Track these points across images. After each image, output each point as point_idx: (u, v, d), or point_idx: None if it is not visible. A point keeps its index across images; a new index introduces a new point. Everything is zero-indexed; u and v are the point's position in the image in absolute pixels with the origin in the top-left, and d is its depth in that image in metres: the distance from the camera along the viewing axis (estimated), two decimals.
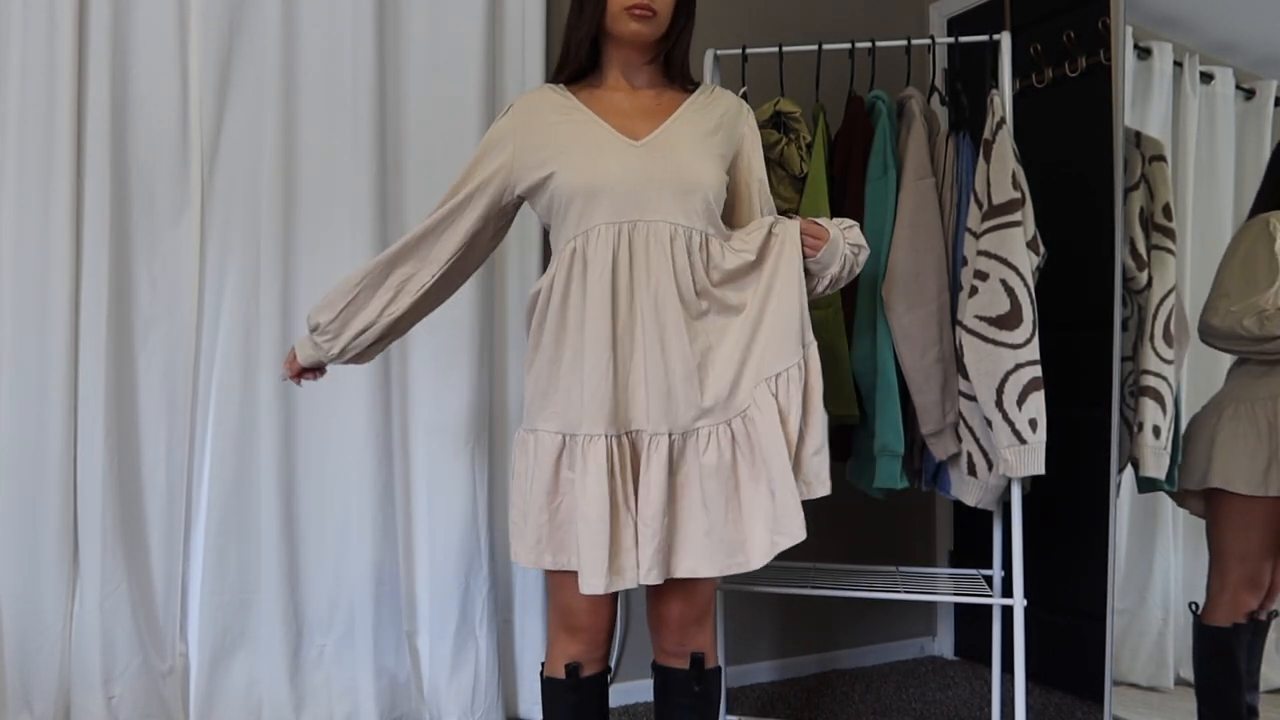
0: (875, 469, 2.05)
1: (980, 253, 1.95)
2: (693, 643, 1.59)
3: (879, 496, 2.13)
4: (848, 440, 2.16)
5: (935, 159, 2.07)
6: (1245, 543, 1.97)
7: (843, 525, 2.82)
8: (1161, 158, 2.07)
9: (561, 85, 1.62)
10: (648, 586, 1.51)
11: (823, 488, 1.55)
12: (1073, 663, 2.60)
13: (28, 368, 2.01)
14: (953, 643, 3.03)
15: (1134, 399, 2.07)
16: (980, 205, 1.98)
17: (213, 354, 2.18)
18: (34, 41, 2.00)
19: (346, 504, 2.24)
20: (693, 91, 1.64)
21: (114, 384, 2.07)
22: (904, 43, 2.16)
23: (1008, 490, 2.01)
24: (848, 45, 2.18)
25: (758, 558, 1.49)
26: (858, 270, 1.68)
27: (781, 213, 2.12)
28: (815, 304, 2.06)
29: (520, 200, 1.63)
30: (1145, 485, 2.07)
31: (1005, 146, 1.97)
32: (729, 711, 2.46)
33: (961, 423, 2.01)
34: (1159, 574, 2.14)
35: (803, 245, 1.57)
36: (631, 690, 2.51)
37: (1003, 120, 1.99)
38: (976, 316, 1.93)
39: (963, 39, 2.17)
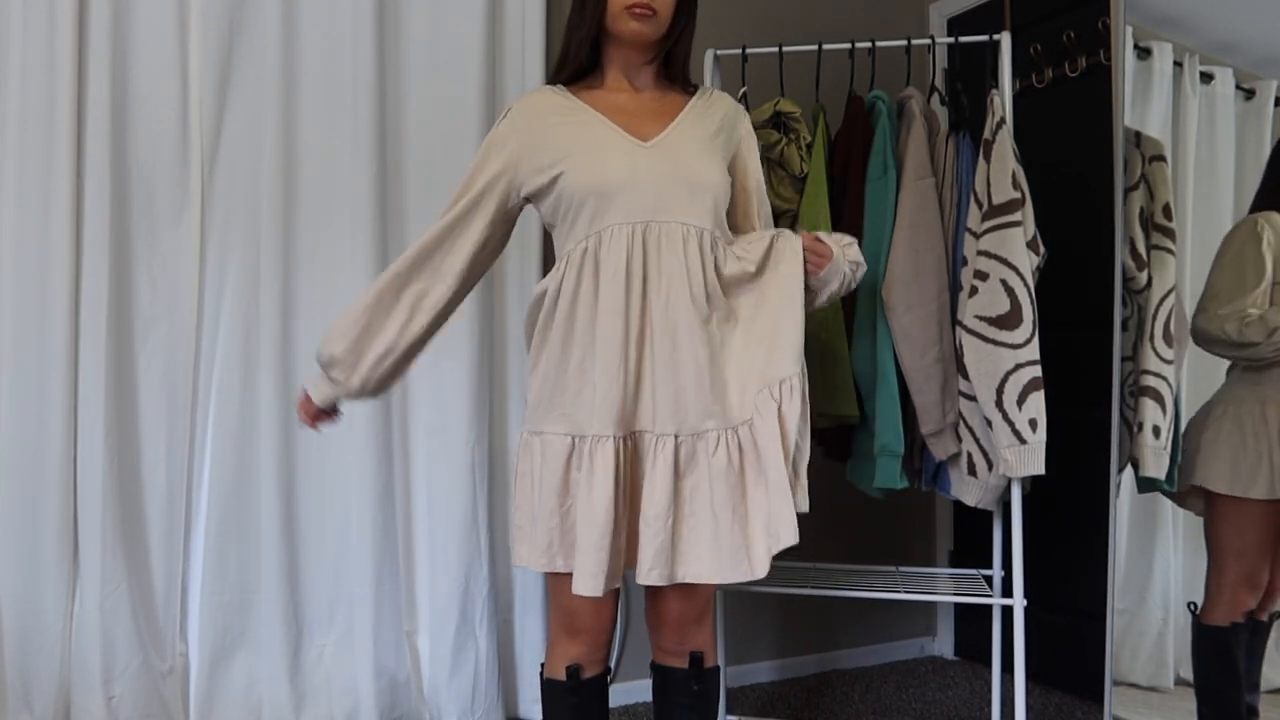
0: (875, 469, 2.05)
1: (980, 253, 1.94)
2: (692, 642, 1.59)
3: (879, 496, 2.13)
4: (848, 440, 2.16)
5: (935, 159, 2.07)
6: (1241, 541, 1.97)
7: (843, 525, 2.82)
8: (1161, 158, 2.07)
9: (561, 86, 1.61)
10: (647, 586, 1.50)
11: (804, 504, 1.52)
12: (1073, 663, 2.60)
13: (28, 368, 2.01)
14: (953, 643, 3.03)
15: (1134, 399, 2.07)
16: (980, 205, 1.98)
17: (213, 354, 2.18)
18: (34, 41, 2.01)
19: (346, 504, 2.24)
20: (693, 94, 1.64)
21: (114, 384, 2.07)
22: (904, 43, 2.16)
23: (1008, 490, 2.01)
24: (848, 45, 2.18)
25: (760, 567, 1.47)
26: (854, 286, 1.68)
27: (781, 214, 2.13)
28: None
29: (524, 204, 1.62)
30: (1145, 485, 2.07)
31: (1005, 146, 1.97)
32: (729, 711, 2.46)
33: (961, 423, 2.01)
34: (1159, 574, 2.14)
35: (806, 263, 1.57)
36: (632, 690, 2.51)
37: (1003, 120, 1.99)
38: (976, 316, 1.93)
39: (963, 39, 2.17)
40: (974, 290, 1.94)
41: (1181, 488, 2.04)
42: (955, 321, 2.00)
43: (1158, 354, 2.03)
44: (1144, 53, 2.10)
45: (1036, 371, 1.89)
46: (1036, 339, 1.90)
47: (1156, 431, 2.02)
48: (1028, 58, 2.68)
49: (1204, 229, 2.05)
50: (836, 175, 2.13)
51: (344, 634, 2.25)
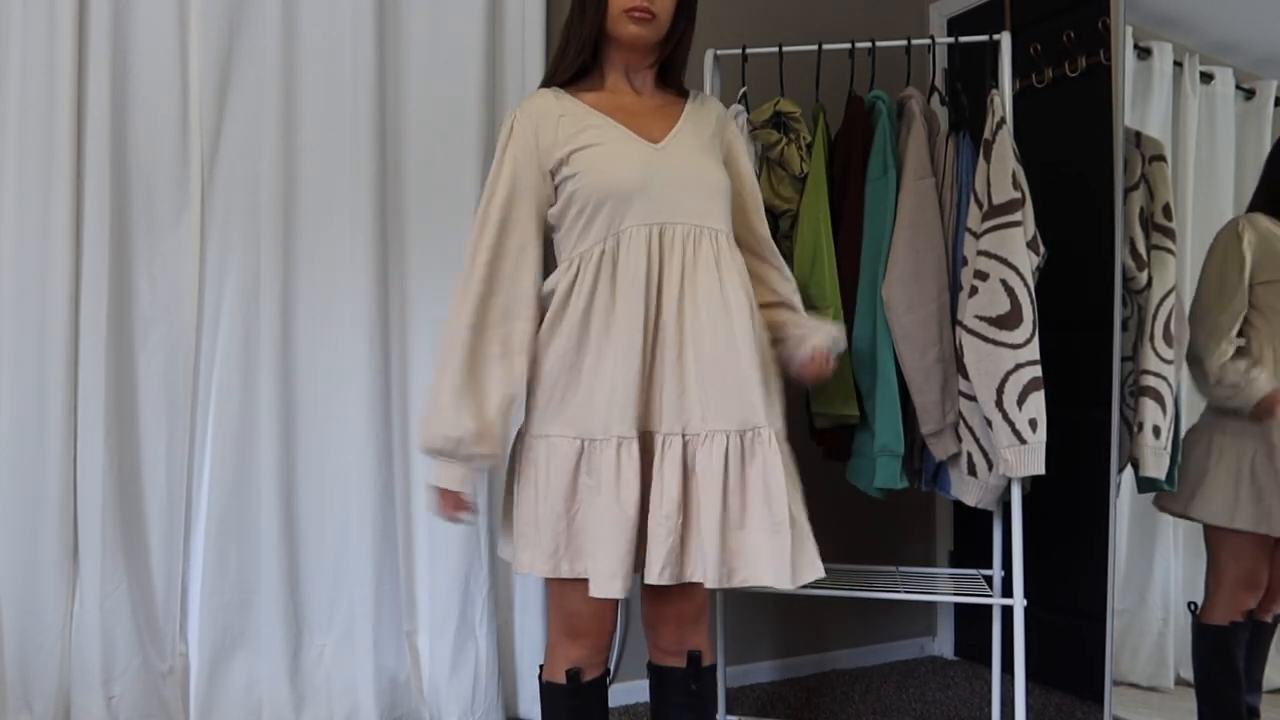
0: (875, 469, 2.05)
1: (980, 253, 1.94)
2: (690, 641, 1.59)
3: (879, 496, 2.13)
4: (848, 440, 2.16)
5: (935, 159, 2.07)
6: (1238, 541, 1.97)
7: (843, 525, 2.82)
8: (1161, 158, 2.08)
9: (559, 89, 1.58)
10: (644, 586, 1.51)
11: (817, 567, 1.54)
12: (1073, 663, 2.60)
13: (28, 368, 2.01)
14: (953, 643, 3.03)
15: (1134, 399, 2.07)
16: (980, 205, 1.98)
17: (213, 354, 2.18)
18: (34, 41, 2.00)
19: (346, 504, 2.24)
20: (687, 98, 1.65)
21: (114, 384, 2.07)
22: (904, 43, 2.16)
23: (1008, 490, 2.01)
24: (848, 45, 2.18)
25: (766, 576, 1.46)
26: None
27: (781, 214, 2.13)
28: (814, 304, 2.07)
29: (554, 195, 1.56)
30: (1145, 485, 2.07)
31: (1005, 146, 1.97)
32: (729, 711, 2.46)
33: (961, 423, 2.01)
34: (1159, 574, 2.14)
35: (800, 366, 1.63)
36: (632, 690, 2.51)
37: (1003, 120, 1.99)
38: (976, 316, 1.93)
39: (963, 39, 2.17)
40: (974, 290, 1.94)
41: (1177, 511, 2.05)
42: (955, 321, 2.00)
43: (1158, 354, 2.03)
44: (1144, 53, 2.10)
45: (1036, 371, 1.89)
46: (1036, 339, 1.90)
47: (1156, 431, 2.02)
48: (1028, 58, 2.68)
49: (1204, 229, 2.05)
50: (836, 175, 2.13)
51: (344, 634, 2.25)
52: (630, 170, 1.49)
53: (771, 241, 1.71)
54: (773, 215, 2.14)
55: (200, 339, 2.18)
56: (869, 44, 2.16)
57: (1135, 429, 2.05)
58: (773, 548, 1.43)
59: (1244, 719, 1.98)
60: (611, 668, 2.29)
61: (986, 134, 2.00)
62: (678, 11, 1.56)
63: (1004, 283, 1.91)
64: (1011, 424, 1.89)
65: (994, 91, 2.04)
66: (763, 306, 1.63)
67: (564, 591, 1.52)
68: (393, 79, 2.30)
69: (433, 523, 2.32)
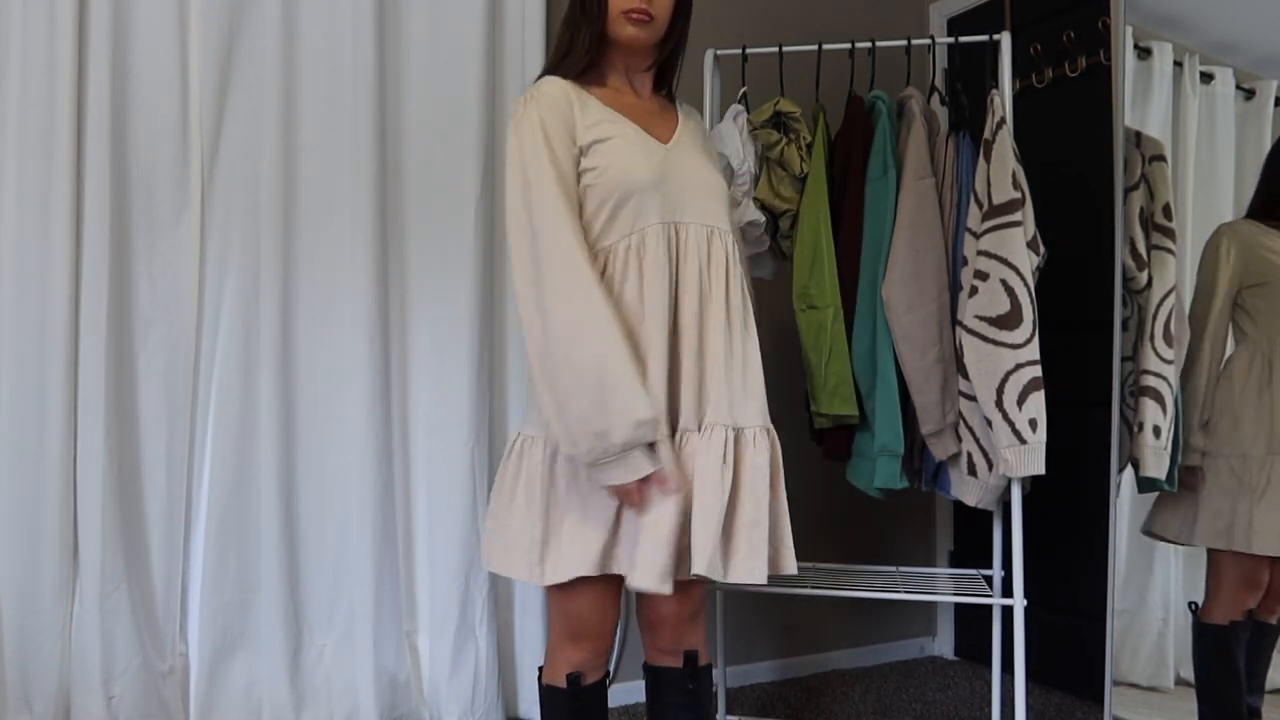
0: (875, 469, 2.05)
1: (980, 253, 1.94)
2: (687, 640, 1.58)
3: (879, 496, 2.13)
4: (848, 440, 2.15)
5: (935, 159, 2.07)
6: None
7: (843, 525, 2.82)
8: (1161, 158, 2.08)
9: (568, 80, 1.53)
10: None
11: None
12: (1073, 663, 2.60)
13: (28, 368, 2.01)
14: (953, 643, 3.03)
15: (1134, 399, 2.07)
16: (980, 205, 1.98)
17: (213, 354, 2.18)
18: (34, 41, 2.01)
19: (346, 504, 2.24)
20: (675, 106, 1.68)
21: (114, 384, 2.07)
22: (904, 43, 2.16)
23: (1008, 490, 2.01)
24: (848, 45, 2.18)
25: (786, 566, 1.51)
26: None
27: (781, 214, 2.13)
28: (814, 304, 2.07)
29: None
30: (1145, 485, 2.07)
31: (1005, 146, 1.97)
32: (729, 711, 2.46)
33: (961, 423, 2.01)
34: (1159, 574, 2.14)
35: None
36: (632, 690, 2.51)
37: (1003, 120, 1.99)
38: (976, 316, 1.93)
39: (963, 39, 2.17)
40: (974, 290, 1.94)
41: (1175, 538, 2.07)
42: (955, 321, 2.00)
43: (1158, 354, 2.03)
44: (1144, 53, 2.10)
45: (1037, 371, 1.89)
46: (1036, 339, 1.90)
47: (1157, 431, 2.02)
48: (1028, 58, 2.68)
49: (1204, 229, 2.05)
50: (836, 175, 2.13)
51: (344, 634, 2.25)
52: (648, 166, 1.49)
53: None
54: (773, 215, 2.14)
55: (200, 339, 2.18)
56: (869, 44, 2.16)
57: (1135, 429, 2.05)
58: (751, 545, 1.46)
59: (1244, 719, 1.98)
60: (611, 669, 2.29)
61: (986, 134, 2.00)
62: (675, 14, 1.56)
63: (1004, 283, 1.91)
64: (1011, 424, 1.89)
65: (994, 91, 2.04)
66: None
67: (568, 594, 1.50)
68: (393, 79, 2.30)
69: (433, 523, 2.32)
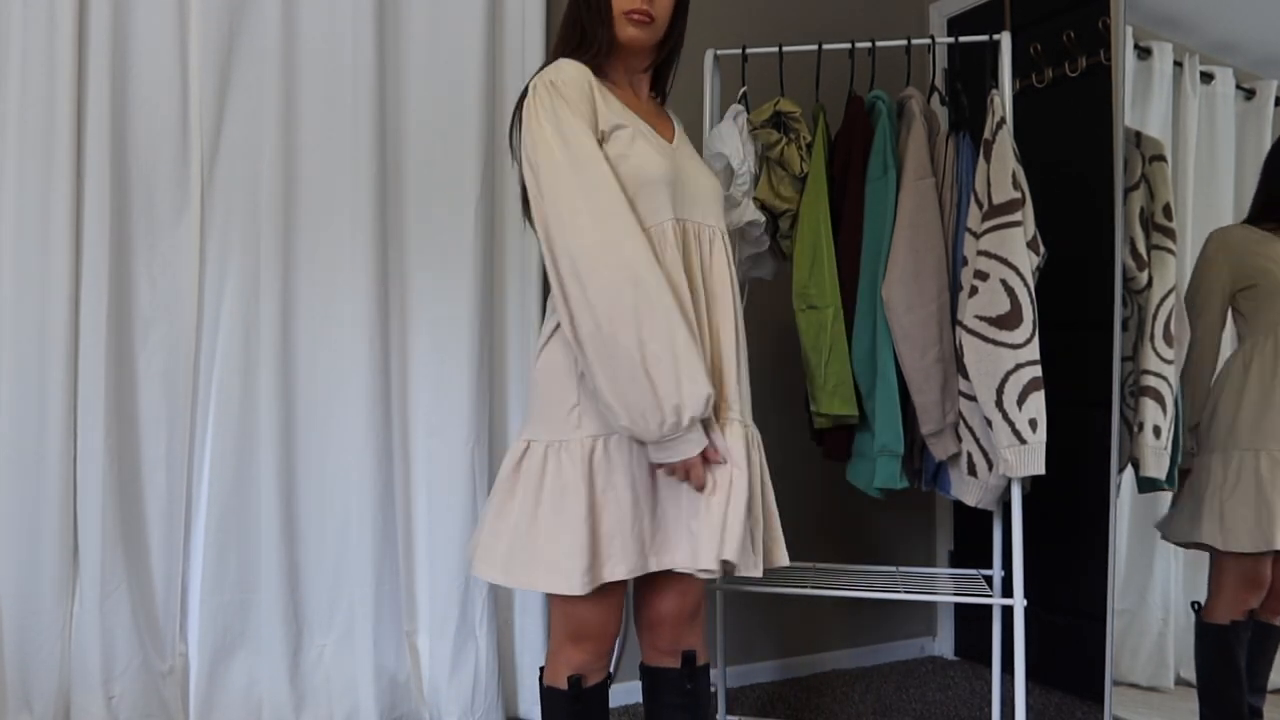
0: (875, 469, 2.05)
1: (980, 253, 1.94)
2: (686, 641, 1.58)
3: (879, 496, 2.13)
4: (848, 440, 2.15)
5: (935, 159, 2.07)
6: None
7: (843, 525, 2.82)
8: (1161, 158, 2.08)
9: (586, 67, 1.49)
10: (640, 588, 1.52)
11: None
12: (1073, 663, 2.60)
13: (28, 368, 2.01)
14: (953, 643, 3.03)
15: (1134, 399, 2.07)
16: (980, 205, 1.98)
17: (213, 354, 2.18)
18: (34, 41, 2.01)
19: (346, 504, 2.24)
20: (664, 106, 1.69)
21: (114, 384, 2.07)
22: (904, 43, 2.16)
23: (1008, 490, 2.01)
24: (848, 45, 2.18)
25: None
26: None
27: (781, 214, 2.13)
28: (814, 304, 2.07)
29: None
30: (1145, 485, 2.07)
31: (1005, 146, 1.97)
32: (729, 711, 2.46)
33: (961, 423, 2.01)
34: (1159, 574, 2.14)
35: None
36: (632, 690, 2.50)
37: (1003, 120, 1.99)
38: (976, 316, 1.93)
39: (963, 39, 2.17)
40: (974, 290, 1.94)
41: (1178, 540, 2.07)
42: (955, 321, 2.00)
43: (1158, 354, 2.03)
44: (1144, 53, 2.10)
45: (1037, 371, 1.89)
46: (1036, 339, 1.90)
47: (1157, 431, 2.02)
48: (1028, 58, 2.68)
49: (1204, 229, 2.05)
50: (836, 175, 2.13)
51: (344, 634, 2.25)
52: (662, 161, 1.48)
53: None
54: (773, 215, 2.14)
55: (200, 339, 2.18)
56: (869, 44, 2.16)
57: (1135, 429, 2.05)
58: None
59: (1245, 719, 1.98)
60: (612, 670, 2.29)
61: (986, 134, 2.00)
62: (674, 16, 1.57)
63: (1004, 283, 1.91)
64: (1011, 424, 1.89)
65: (994, 91, 2.04)
66: None
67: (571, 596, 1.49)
68: (393, 79, 2.30)
69: (433, 523, 2.32)
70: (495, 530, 1.47)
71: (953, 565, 2.91)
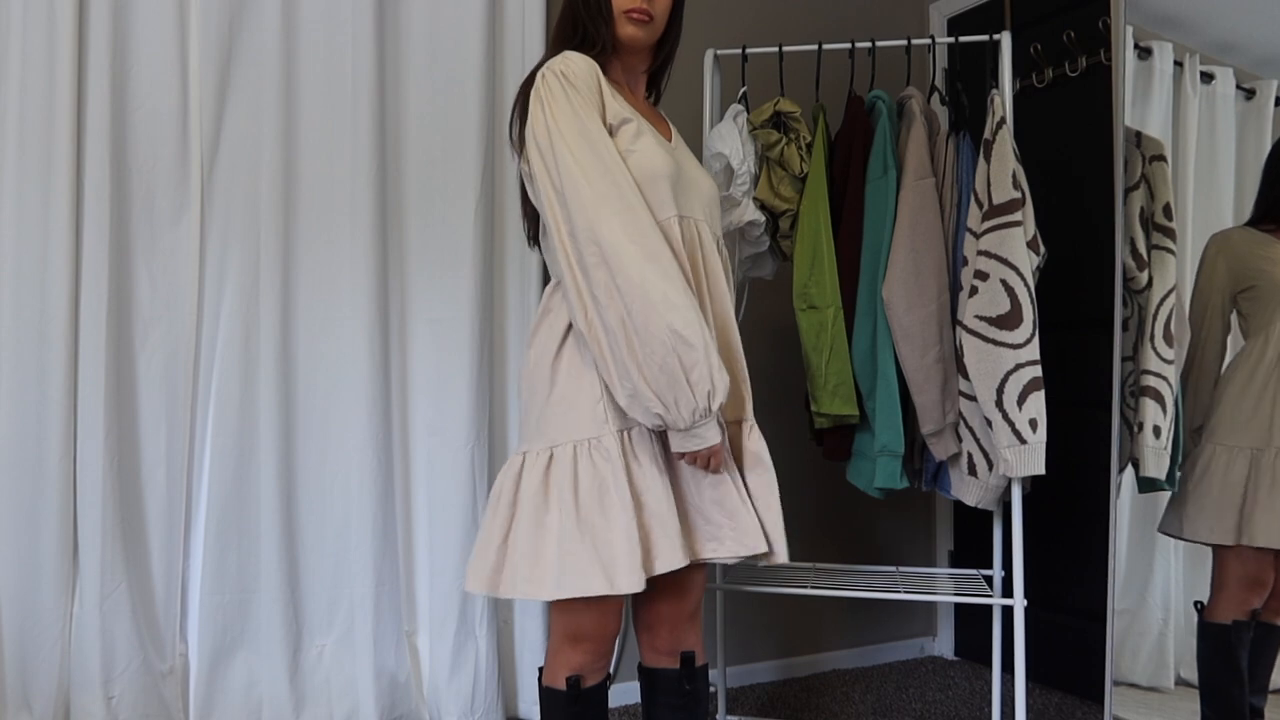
0: (875, 469, 2.05)
1: (980, 252, 1.95)
2: (685, 641, 1.58)
3: (879, 496, 2.14)
4: (848, 440, 2.16)
5: (935, 159, 2.07)
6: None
7: (843, 525, 2.82)
8: (1162, 158, 2.08)
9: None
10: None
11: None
12: (1073, 663, 2.60)
13: (27, 367, 2.01)
14: (953, 643, 3.03)
15: (1134, 399, 2.07)
16: (980, 205, 1.98)
17: (213, 354, 2.18)
18: (34, 41, 2.00)
19: (346, 504, 2.24)
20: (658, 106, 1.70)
21: (114, 384, 2.07)
22: (904, 43, 2.16)
23: (1008, 490, 2.01)
24: (848, 45, 2.18)
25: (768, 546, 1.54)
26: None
27: (781, 214, 2.13)
28: (815, 304, 2.07)
29: None
30: (1145, 485, 2.07)
31: (1005, 146, 1.97)
32: (729, 711, 2.46)
33: (961, 423, 2.01)
34: (1159, 574, 2.14)
35: None
36: (632, 690, 2.51)
37: (1003, 120, 1.99)
38: (977, 316, 1.93)
39: (963, 39, 2.17)
40: (974, 290, 1.94)
41: (1174, 533, 2.07)
42: (955, 321, 2.00)
43: (1158, 354, 2.03)
44: (1144, 53, 2.10)
45: (1037, 371, 1.89)
46: (1037, 339, 1.90)
47: (1157, 431, 2.02)
48: (1028, 58, 2.68)
49: (1204, 229, 2.05)
50: (836, 175, 2.13)
51: (344, 634, 2.25)
52: (668, 158, 1.48)
53: None
54: (773, 215, 2.14)
55: (200, 338, 2.18)
56: (869, 44, 2.16)
57: (1135, 429, 2.05)
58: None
59: (1246, 719, 1.98)
60: (612, 670, 2.29)
61: (986, 134, 2.00)
62: (671, 15, 1.57)
63: (1004, 283, 1.91)
64: (1011, 424, 1.89)
65: (994, 91, 2.04)
66: None
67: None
68: (392, 79, 2.30)
69: (433, 523, 2.32)
70: (535, 550, 1.40)
71: (953, 565, 2.91)
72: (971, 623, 2.94)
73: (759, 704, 2.58)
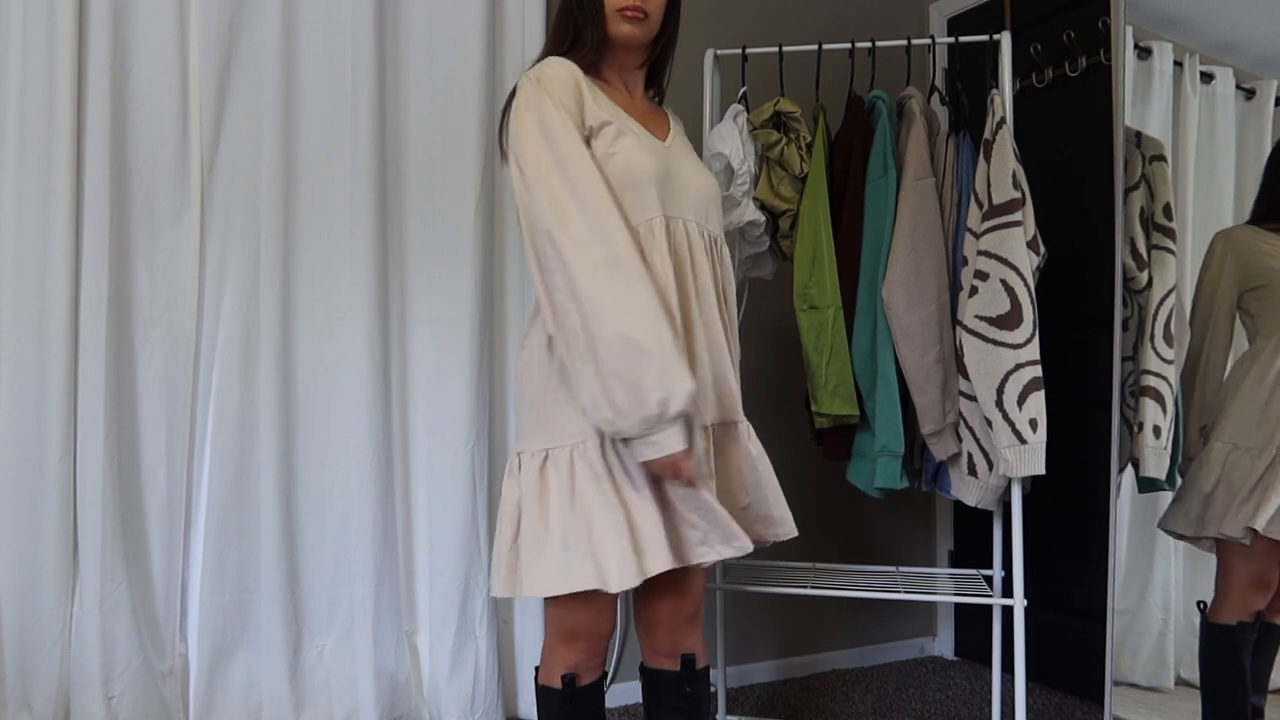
0: (875, 469, 2.05)
1: (980, 252, 1.95)
2: (685, 643, 1.58)
3: (879, 496, 2.14)
4: (848, 440, 2.16)
5: (935, 159, 2.07)
6: (1246, 543, 1.97)
7: (843, 525, 2.82)
8: (1161, 158, 2.08)
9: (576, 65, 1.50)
10: (639, 590, 1.50)
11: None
12: (1073, 663, 2.60)
13: (27, 367, 2.01)
14: (953, 643, 3.03)
15: (1134, 399, 2.07)
16: (980, 205, 1.98)
17: (213, 354, 2.18)
18: (34, 41, 2.00)
19: (346, 504, 2.24)
20: (662, 104, 1.68)
21: (114, 384, 2.07)
22: (904, 43, 2.16)
23: (1008, 490, 2.01)
24: (848, 45, 2.18)
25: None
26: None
27: (781, 214, 2.13)
28: (815, 304, 2.07)
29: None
30: (1145, 485, 2.07)
31: (1005, 146, 1.97)
32: (729, 711, 2.46)
33: (962, 423, 2.01)
34: (1159, 574, 2.14)
35: None
36: (632, 690, 2.51)
37: (1003, 120, 1.99)
38: (977, 316, 1.93)
39: (963, 39, 2.17)
40: (974, 290, 1.94)
41: (1181, 530, 2.07)
42: (955, 321, 2.00)
43: (1158, 354, 2.03)
44: (1144, 53, 2.10)
45: (1037, 371, 1.89)
46: (1037, 339, 1.90)
47: (1157, 431, 2.02)
48: (1028, 58, 2.68)
49: (1204, 229, 2.05)
50: (837, 175, 2.13)
51: (344, 634, 2.25)
52: (652, 160, 1.47)
53: None
54: (772, 215, 2.14)
55: (200, 338, 2.18)
56: (869, 44, 2.16)
57: (1135, 429, 2.05)
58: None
59: (1248, 719, 1.98)
60: (610, 670, 2.29)
61: (986, 134, 2.00)
62: (667, 12, 1.56)
63: (1004, 283, 1.91)
64: (1011, 424, 1.89)
65: (994, 91, 2.04)
66: None
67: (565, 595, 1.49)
68: (392, 79, 2.30)
69: (433, 523, 2.32)
70: (538, 548, 1.41)
71: (953, 565, 2.91)
72: (971, 623, 2.94)
73: (759, 704, 2.58)
